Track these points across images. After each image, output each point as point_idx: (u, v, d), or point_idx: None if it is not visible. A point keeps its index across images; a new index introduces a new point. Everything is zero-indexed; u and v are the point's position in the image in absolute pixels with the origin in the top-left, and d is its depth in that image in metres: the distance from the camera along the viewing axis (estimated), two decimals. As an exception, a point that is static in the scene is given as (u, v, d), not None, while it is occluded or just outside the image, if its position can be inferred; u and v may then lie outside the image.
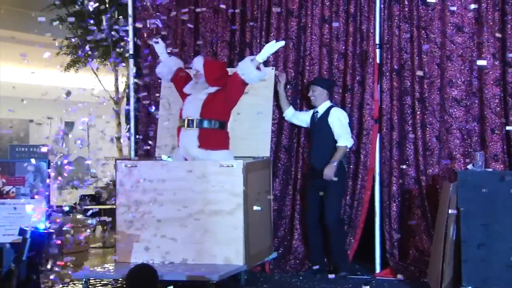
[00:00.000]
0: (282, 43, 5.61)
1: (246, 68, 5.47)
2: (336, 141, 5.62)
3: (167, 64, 5.83)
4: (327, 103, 5.75)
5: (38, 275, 4.84)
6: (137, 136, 6.46)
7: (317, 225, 5.69)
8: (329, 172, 5.52)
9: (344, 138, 5.62)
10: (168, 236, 5.23)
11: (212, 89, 5.47)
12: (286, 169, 6.14)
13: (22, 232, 4.87)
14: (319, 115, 5.74)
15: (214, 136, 5.40)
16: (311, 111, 5.84)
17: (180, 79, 5.73)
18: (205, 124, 5.38)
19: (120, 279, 5.34)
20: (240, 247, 5.19)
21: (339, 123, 5.64)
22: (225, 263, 5.19)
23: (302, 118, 5.93)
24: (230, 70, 5.85)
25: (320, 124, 5.69)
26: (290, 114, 5.97)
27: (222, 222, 5.23)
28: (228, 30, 6.38)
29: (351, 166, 5.93)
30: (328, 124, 5.64)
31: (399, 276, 5.45)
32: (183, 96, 5.65)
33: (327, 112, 5.69)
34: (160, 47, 5.87)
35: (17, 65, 12.29)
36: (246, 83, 5.54)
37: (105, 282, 5.52)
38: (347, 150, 5.70)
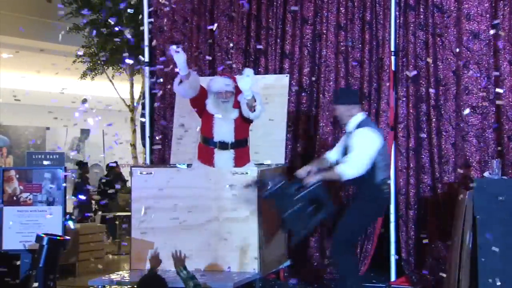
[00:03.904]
0: (248, 72, 5.06)
1: (245, 113, 5.31)
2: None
3: (192, 84, 5.36)
4: (356, 119, 4.80)
5: (55, 281, 4.88)
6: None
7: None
8: (309, 178, 4.71)
9: (348, 166, 4.63)
10: (182, 243, 5.22)
11: (237, 113, 5.39)
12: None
13: (38, 239, 4.92)
14: (350, 136, 4.82)
15: (246, 153, 5.44)
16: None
17: (202, 96, 5.47)
18: (239, 144, 5.37)
19: (135, 287, 5.34)
20: (254, 254, 5.18)
21: (358, 148, 4.66)
22: (240, 271, 5.18)
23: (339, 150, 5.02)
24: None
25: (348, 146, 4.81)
26: (334, 156, 5.01)
27: (236, 229, 5.22)
28: (243, 37, 6.40)
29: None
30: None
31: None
32: (203, 112, 5.49)
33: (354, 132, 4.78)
34: (180, 57, 5.15)
35: (32, 73, 12.43)
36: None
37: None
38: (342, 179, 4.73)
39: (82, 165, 11.37)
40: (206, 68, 6.51)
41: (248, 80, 5.07)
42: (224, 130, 5.36)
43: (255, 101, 5.24)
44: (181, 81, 5.30)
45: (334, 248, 4.85)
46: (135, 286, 5.12)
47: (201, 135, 5.50)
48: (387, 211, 5.77)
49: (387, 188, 4.90)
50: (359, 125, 4.74)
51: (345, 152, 4.79)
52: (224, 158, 5.34)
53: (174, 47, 5.16)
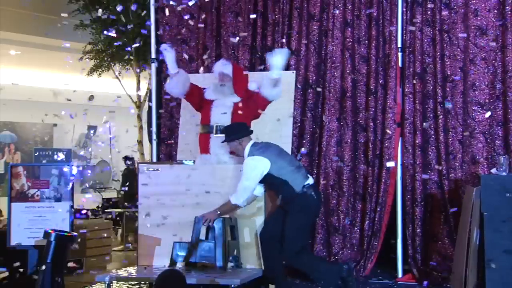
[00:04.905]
0: (284, 51, 5.37)
1: (266, 90, 5.42)
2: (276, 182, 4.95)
3: (181, 80, 5.55)
4: (247, 150, 5.05)
5: (62, 277, 4.90)
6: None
7: (273, 242, 5.04)
8: (210, 216, 5.01)
9: (236, 196, 4.98)
10: (189, 239, 5.24)
11: (238, 98, 5.48)
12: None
13: (46, 235, 4.94)
14: None
15: None
16: None
17: (194, 92, 5.63)
18: None
19: (142, 283, 5.37)
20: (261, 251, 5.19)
21: (243, 176, 4.98)
22: (246, 267, 5.20)
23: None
24: (252, 75, 5.90)
25: None
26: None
27: (243, 226, 5.24)
28: (250, 34, 6.40)
29: (375, 170, 5.89)
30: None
31: (424, 283, 5.39)
32: (203, 103, 5.59)
33: None
34: (169, 56, 5.44)
35: (42, 70, 12.46)
36: (268, 102, 5.53)
37: (128, 285, 5.57)
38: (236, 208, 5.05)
39: (127, 159, 11.24)
40: (212, 65, 6.51)
41: (281, 58, 5.25)
42: (221, 113, 5.40)
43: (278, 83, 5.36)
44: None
45: (289, 263, 5.05)
46: (144, 283, 5.15)
47: (201, 125, 5.55)
48: (394, 207, 5.81)
49: (312, 191, 4.96)
50: (248, 155, 5.02)
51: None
52: (220, 143, 5.36)
53: (163, 45, 5.48)
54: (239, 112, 5.39)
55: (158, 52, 6.63)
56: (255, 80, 5.55)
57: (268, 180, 5.00)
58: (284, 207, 5.01)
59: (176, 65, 5.52)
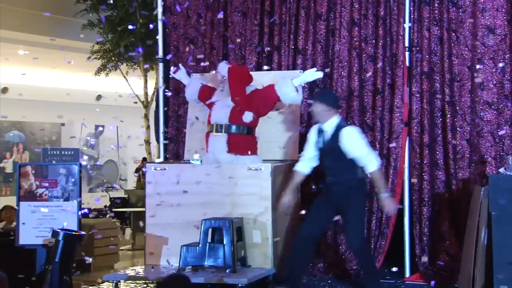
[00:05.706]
0: (320, 74, 5.52)
1: (285, 88, 5.44)
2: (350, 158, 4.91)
3: (192, 85, 5.86)
4: (335, 120, 4.98)
5: (70, 276, 4.93)
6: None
7: (310, 241, 5.01)
8: (391, 206, 4.94)
9: (372, 162, 4.89)
10: (196, 239, 5.25)
11: (236, 98, 5.50)
12: (315, 172, 6.11)
13: (54, 234, 4.96)
14: (327, 134, 4.97)
15: (243, 141, 5.42)
16: (315, 129, 5.09)
17: (205, 94, 5.76)
18: (234, 129, 5.39)
19: (149, 281, 5.39)
20: (268, 250, 5.20)
21: (358, 146, 4.90)
22: (254, 267, 5.20)
23: (313, 154, 5.11)
24: (259, 75, 5.90)
25: (330, 145, 4.95)
26: (308, 166, 5.18)
27: (250, 226, 5.24)
28: (257, 33, 6.40)
29: (382, 169, 5.87)
30: (340, 145, 4.89)
31: (432, 282, 5.38)
32: (211, 105, 5.66)
33: (336, 132, 4.92)
34: (180, 73, 5.94)
35: (49, 70, 12.52)
36: (279, 100, 5.54)
37: (135, 284, 5.59)
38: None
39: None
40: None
41: (312, 76, 5.48)
42: (220, 112, 5.45)
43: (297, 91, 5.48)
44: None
45: (356, 251, 5.02)
46: (151, 282, 5.15)
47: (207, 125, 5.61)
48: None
49: (367, 179, 5.20)
50: (340, 126, 4.93)
51: (322, 154, 5.01)
52: (217, 141, 5.38)
53: (172, 69, 6.07)
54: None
55: (165, 51, 6.67)
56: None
57: (344, 156, 4.88)
58: (345, 191, 4.88)
59: (188, 77, 5.95)
